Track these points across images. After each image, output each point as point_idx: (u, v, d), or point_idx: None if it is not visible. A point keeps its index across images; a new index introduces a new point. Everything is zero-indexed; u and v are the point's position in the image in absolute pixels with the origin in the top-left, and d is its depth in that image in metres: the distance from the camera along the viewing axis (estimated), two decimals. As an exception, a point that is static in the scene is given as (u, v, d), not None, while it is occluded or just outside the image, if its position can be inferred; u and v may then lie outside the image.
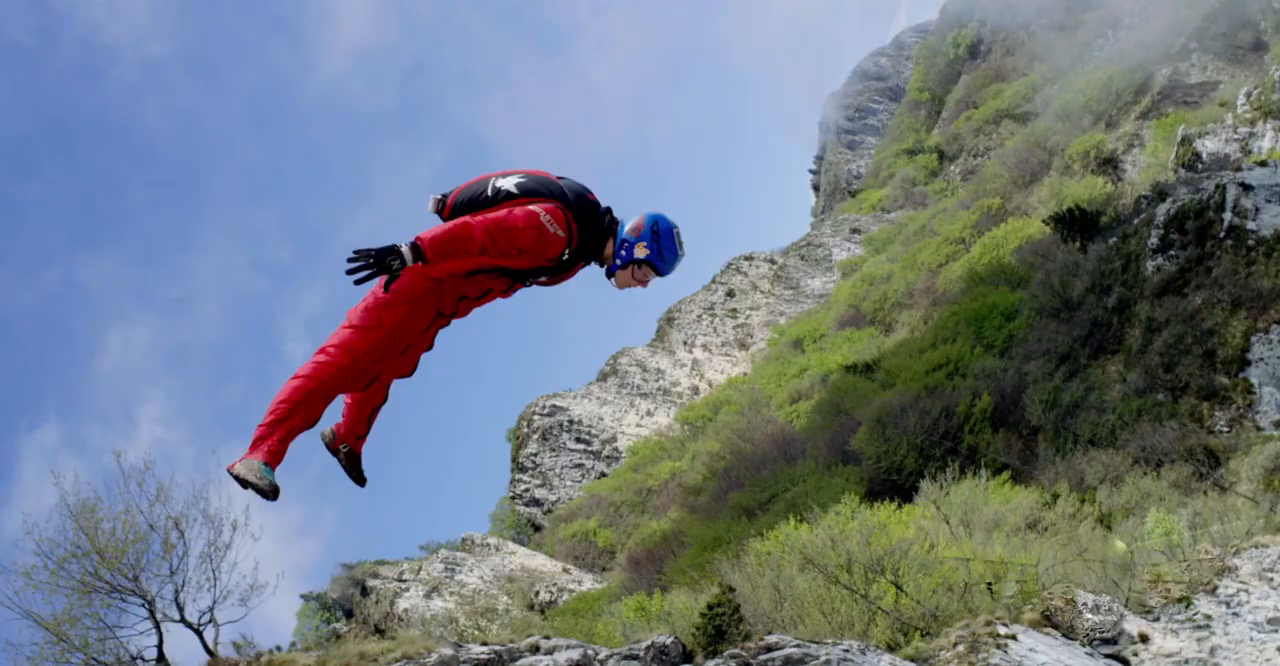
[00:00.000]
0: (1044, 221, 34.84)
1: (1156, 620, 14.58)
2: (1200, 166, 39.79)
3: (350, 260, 4.96)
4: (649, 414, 46.81)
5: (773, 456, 31.10)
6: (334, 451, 5.86)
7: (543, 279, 5.64)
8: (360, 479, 5.93)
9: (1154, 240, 29.83)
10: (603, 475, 43.80)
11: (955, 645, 13.73)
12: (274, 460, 5.21)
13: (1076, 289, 30.06)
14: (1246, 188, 30.25)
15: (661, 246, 5.68)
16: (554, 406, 46.14)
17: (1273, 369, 26.47)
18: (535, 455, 45.07)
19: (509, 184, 5.51)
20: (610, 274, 5.70)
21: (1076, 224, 33.51)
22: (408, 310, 5.35)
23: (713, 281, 53.04)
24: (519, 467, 45.04)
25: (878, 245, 51.65)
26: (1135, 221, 31.94)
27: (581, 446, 45.21)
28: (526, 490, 43.90)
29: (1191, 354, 27.12)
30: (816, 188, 76.96)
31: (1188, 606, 14.67)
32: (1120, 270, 30.25)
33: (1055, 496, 19.99)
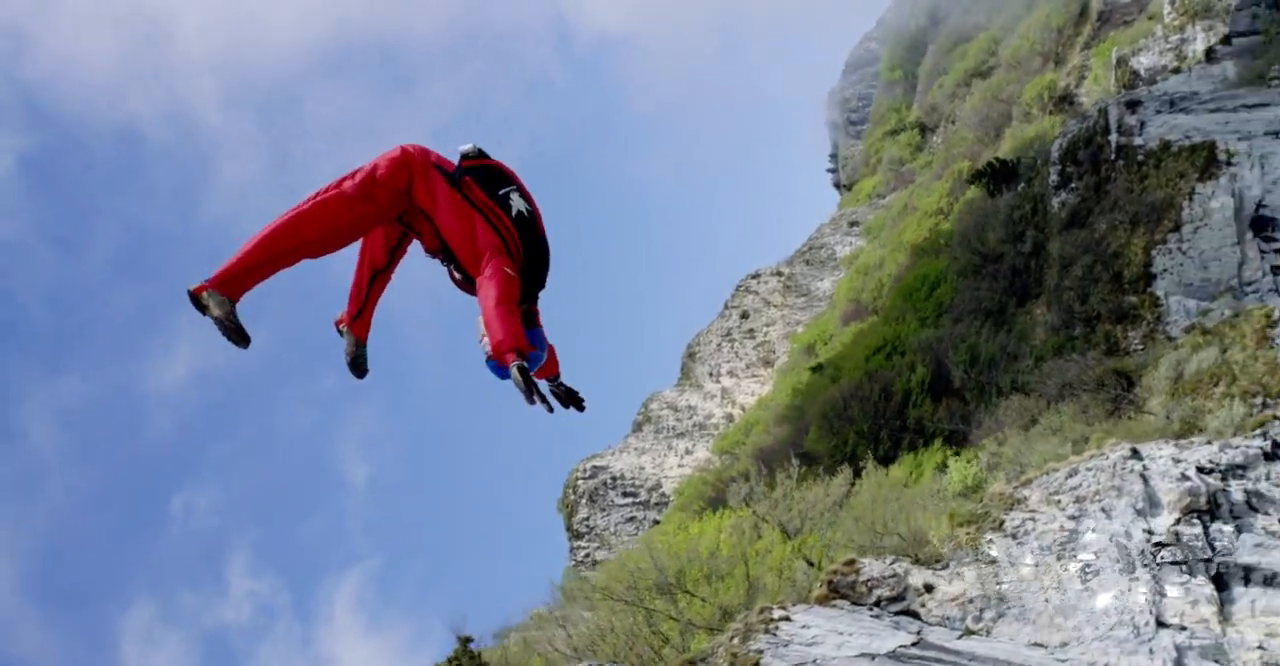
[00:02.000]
0: (967, 180, 35.12)
1: (945, 568, 15.10)
2: (1139, 83, 39.70)
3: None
4: (688, 452, 47.50)
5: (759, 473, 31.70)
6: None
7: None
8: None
9: (1054, 177, 30.11)
10: (655, 522, 44.50)
11: (731, 638, 14.47)
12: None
13: (991, 241, 30.36)
14: (1131, 105, 30.42)
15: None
16: (594, 467, 47.09)
17: (1177, 276, 26.59)
18: (587, 519, 45.96)
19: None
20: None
21: (997, 176, 33.75)
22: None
23: (725, 307, 53.63)
24: (575, 535, 45.93)
25: (874, 233, 51.90)
26: (1036, 163, 32.23)
27: (629, 500, 46.01)
28: (588, 555, 44.73)
29: (1100, 281, 27.33)
30: (839, 185, 77.13)
31: (975, 547, 15.17)
32: (1030, 213, 30.53)
33: (919, 465, 20.44)
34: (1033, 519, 15.40)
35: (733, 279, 55.40)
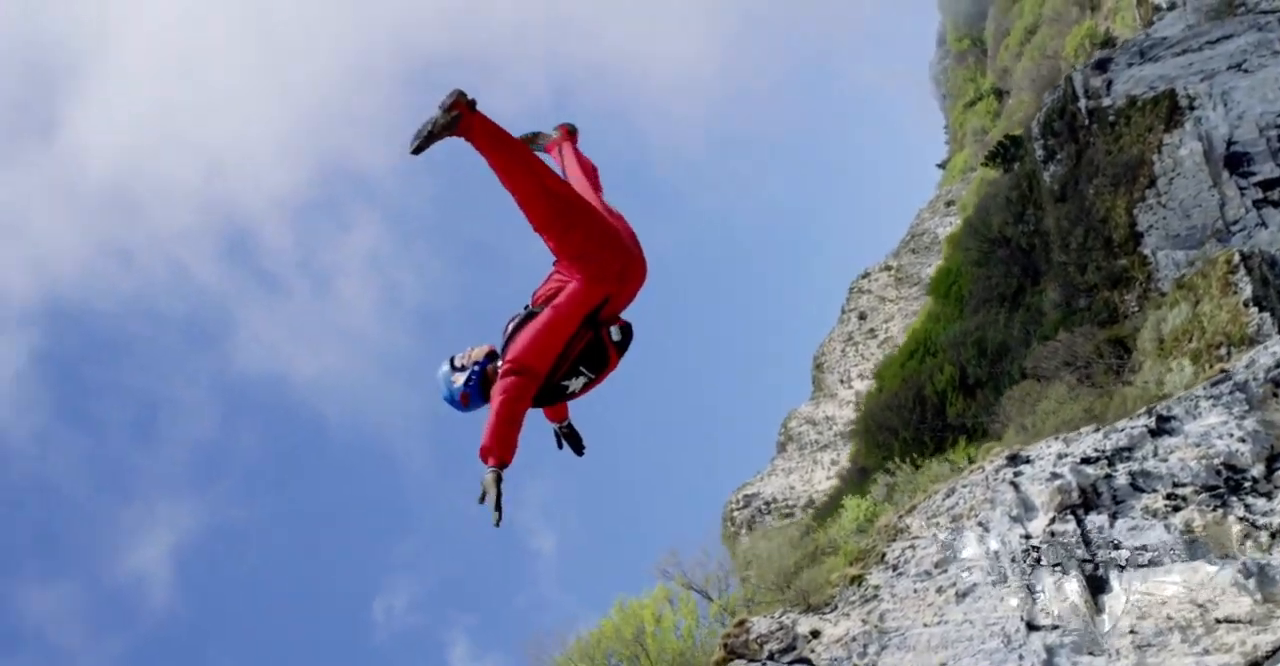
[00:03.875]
0: (982, 163, 35.57)
1: (833, 609, 16.45)
2: (1160, 16, 39.40)
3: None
4: (834, 463, 48.48)
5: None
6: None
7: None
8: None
9: (1040, 152, 30.61)
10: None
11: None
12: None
13: (996, 225, 30.97)
14: (1101, 65, 30.73)
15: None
16: (746, 496, 48.43)
17: (1163, 230, 26.93)
18: (751, 548, 47.40)
19: None
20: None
21: (1008, 154, 34.22)
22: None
23: (843, 312, 54.28)
24: (744, 565, 47.42)
25: (967, 210, 52.04)
26: (1025, 141, 32.62)
27: (787, 521, 47.28)
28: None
29: (1094, 249, 27.82)
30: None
31: (860, 584, 16.48)
32: (1027, 191, 31.07)
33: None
34: (912, 546, 16.53)
35: (844, 283, 56.01)
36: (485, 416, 5.45)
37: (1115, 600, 15.43)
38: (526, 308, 5.64)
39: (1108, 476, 16.82)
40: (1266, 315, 22.65)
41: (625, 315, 5.70)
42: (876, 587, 16.20)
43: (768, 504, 48.32)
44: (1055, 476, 16.56)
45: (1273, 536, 15.85)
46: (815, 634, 15.97)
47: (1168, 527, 15.91)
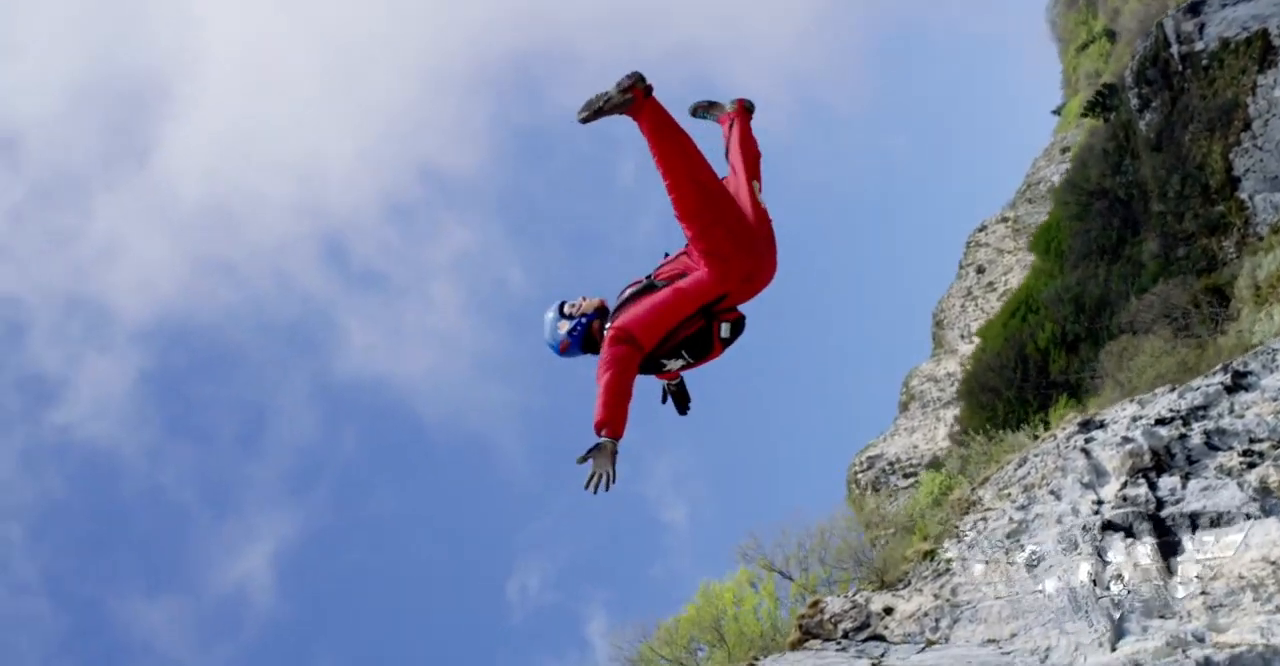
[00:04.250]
0: (1081, 114, 34.99)
1: (906, 585, 16.73)
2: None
3: None
4: (957, 420, 48.27)
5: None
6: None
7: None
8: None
9: (1135, 101, 30.13)
10: (938, 495, 45.54)
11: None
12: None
13: (1093, 177, 30.58)
14: (1191, 9, 30.05)
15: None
16: (869, 458, 48.44)
17: (1260, 173, 26.43)
18: (877, 509, 47.44)
19: None
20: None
21: (1106, 103, 33.66)
22: None
23: (960, 268, 53.72)
24: (869, 527, 47.51)
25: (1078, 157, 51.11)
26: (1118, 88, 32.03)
27: (910, 480, 47.20)
28: (885, 542, 46.19)
29: (1191, 196, 27.43)
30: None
31: (933, 558, 16.73)
32: (1125, 141, 30.64)
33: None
34: (984, 518, 16.68)
35: (962, 237, 55.44)
36: (589, 374, 5.56)
37: (1187, 562, 15.40)
38: (649, 277, 5.75)
39: (1182, 437, 16.74)
40: (1361, 258, 22.18)
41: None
42: (949, 561, 16.37)
43: (892, 464, 48.28)
44: (1127, 440, 16.53)
45: (1352, 489, 15.69)
46: (888, 610, 16.22)
47: (1241, 485, 15.79)
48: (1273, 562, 15.04)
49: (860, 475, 48.41)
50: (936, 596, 16.05)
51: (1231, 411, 17.01)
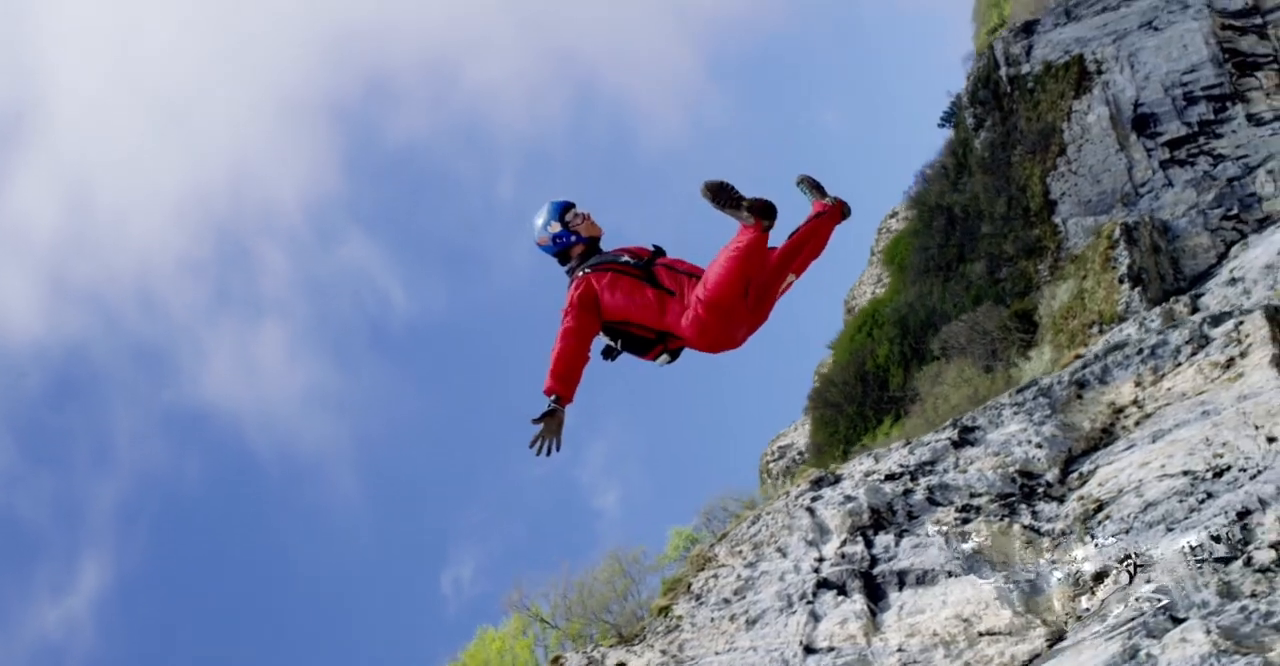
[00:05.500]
0: (938, 124, 35.73)
1: (642, 640, 17.75)
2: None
3: None
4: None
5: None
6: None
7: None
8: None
9: (970, 120, 30.93)
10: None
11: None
12: None
13: (934, 192, 31.39)
14: (1022, 31, 30.81)
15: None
16: (780, 448, 49.60)
17: (1075, 197, 27.35)
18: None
19: None
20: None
21: (954, 116, 34.30)
22: None
23: (871, 254, 54.51)
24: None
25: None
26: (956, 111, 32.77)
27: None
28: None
29: (1014, 218, 28.29)
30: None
31: (666, 614, 17.75)
32: (963, 157, 31.44)
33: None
34: (715, 575, 17.67)
35: (873, 223, 56.04)
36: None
37: (890, 619, 16.41)
38: (650, 271, 5.78)
39: (907, 492, 17.73)
40: (1136, 293, 23.07)
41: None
42: (679, 618, 17.33)
43: (801, 453, 49.36)
44: (848, 499, 17.51)
45: (1055, 541, 16.68)
46: None
47: (947, 542, 16.77)
48: (965, 619, 16.09)
49: (771, 464, 49.44)
50: (664, 652, 17.06)
51: (956, 466, 17.98)
